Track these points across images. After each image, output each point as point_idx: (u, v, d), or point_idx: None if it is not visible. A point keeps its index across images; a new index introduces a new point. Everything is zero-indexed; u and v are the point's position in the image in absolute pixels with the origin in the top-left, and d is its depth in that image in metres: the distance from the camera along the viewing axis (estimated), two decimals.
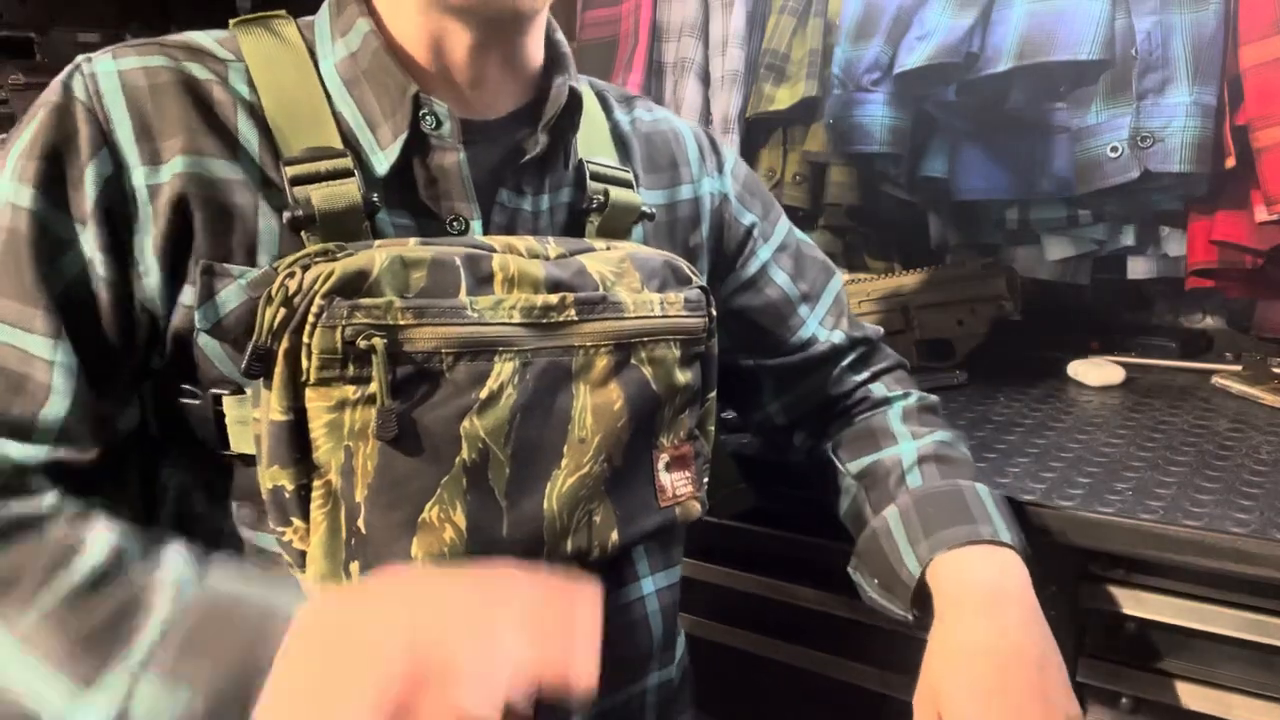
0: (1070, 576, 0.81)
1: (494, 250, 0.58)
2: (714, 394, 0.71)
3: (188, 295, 0.56)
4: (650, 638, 0.73)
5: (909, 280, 1.24)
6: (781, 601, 0.95)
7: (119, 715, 0.45)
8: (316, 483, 0.54)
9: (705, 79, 1.45)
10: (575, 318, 0.60)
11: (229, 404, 0.57)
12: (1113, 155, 1.12)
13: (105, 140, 0.55)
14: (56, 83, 0.57)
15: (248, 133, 0.58)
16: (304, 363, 0.53)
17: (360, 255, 0.54)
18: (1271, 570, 0.71)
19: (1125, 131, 1.10)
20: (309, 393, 0.53)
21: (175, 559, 0.52)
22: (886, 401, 0.82)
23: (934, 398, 0.84)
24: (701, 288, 0.67)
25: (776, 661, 0.96)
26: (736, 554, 0.97)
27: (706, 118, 1.44)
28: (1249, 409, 1.07)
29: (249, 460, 0.57)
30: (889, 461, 0.76)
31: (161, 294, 0.56)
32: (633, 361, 0.62)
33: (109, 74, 0.56)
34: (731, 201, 0.79)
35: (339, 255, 0.54)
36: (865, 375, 0.83)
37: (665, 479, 0.66)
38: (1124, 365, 1.21)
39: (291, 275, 0.53)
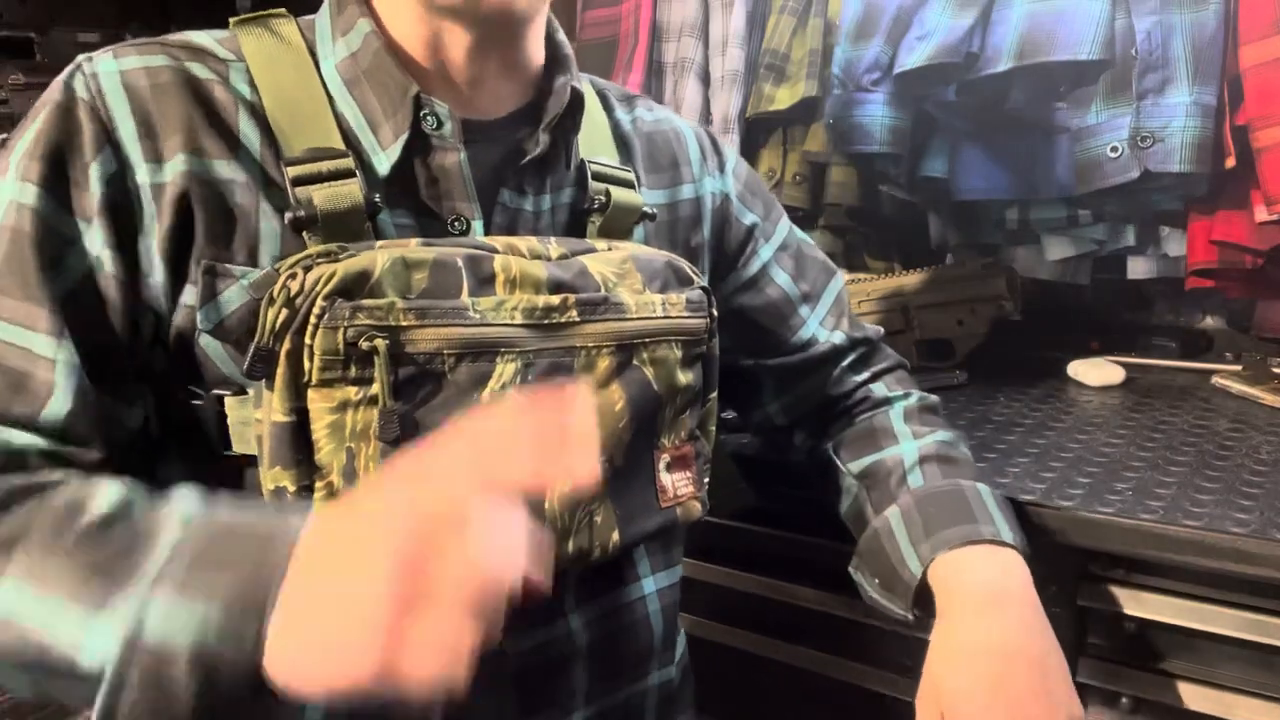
0: (1070, 576, 0.81)
1: (496, 251, 0.58)
2: (715, 394, 0.71)
3: (190, 295, 0.56)
4: (651, 637, 0.73)
5: (909, 280, 1.24)
6: (781, 601, 0.94)
7: (132, 633, 0.44)
8: (318, 484, 0.54)
9: (705, 79, 1.44)
10: (577, 319, 0.60)
11: (231, 405, 0.57)
12: (1113, 155, 1.12)
13: (108, 139, 0.55)
14: (58, 82, 0.57)
15: (249, 133, 0.58)
16: (306, 364, 0.52)
17: (362, 256, 0.54)
18: (1271, 570, 0.71)
19: (1125, 131, 1.10)
20: (311, 394, 0.53)
21: (184, 495, 0.51)
22: (887, 401, 0.82)
23: (934, 398, 0.85)
24: (703, 288, 0.67)
25: (776, 661, 0.96)
26: (736, 554, 0.97)
27: (706, 118, 1.44)
28: (1249, 409, 1.07)
29: (251, 461, 0.57)
30: (890, 461, 0.77)
31: (164, 293, 0.56)
32: (634, 362, 0.62)
33: (111, 73, 0.56)
34: (733, 201, 0.79)
35: (341, 256, 0.54)
36: (866, 375, 0.84)
37: (666, 479, 0.66)
38: (1124, 365, 1.21)
39: (293, 276, 0.53)
